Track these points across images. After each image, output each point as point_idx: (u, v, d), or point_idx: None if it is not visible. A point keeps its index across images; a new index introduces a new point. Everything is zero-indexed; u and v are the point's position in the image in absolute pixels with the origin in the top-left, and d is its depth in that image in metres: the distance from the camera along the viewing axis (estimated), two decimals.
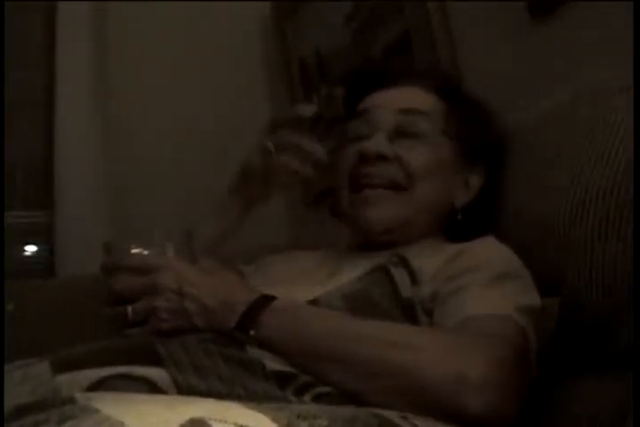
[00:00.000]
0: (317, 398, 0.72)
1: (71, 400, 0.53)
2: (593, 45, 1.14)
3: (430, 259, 0.91)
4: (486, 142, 1.05)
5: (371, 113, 1.03)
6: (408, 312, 0.86)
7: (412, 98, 1.04)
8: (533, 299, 0.86)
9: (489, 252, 0.93)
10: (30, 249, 1.96)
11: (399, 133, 1.00)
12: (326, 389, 0.73)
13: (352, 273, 0.93)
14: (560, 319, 0.88)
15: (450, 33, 1.47)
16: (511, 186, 1.04)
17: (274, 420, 0.52)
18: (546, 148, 0.99)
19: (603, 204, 0.84)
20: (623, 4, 1.02)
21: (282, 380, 0.72)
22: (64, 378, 0.65)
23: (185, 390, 0.67)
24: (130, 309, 0.82)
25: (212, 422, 0.49)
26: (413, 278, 0.88)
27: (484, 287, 0.83)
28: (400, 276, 0.88)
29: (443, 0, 1.48)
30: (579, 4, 1.18)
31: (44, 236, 1.95)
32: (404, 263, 0.90)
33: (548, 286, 0.89)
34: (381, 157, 0.98)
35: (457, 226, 1.03)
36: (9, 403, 0.54)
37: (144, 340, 0.76)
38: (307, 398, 0.71)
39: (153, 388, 0.66)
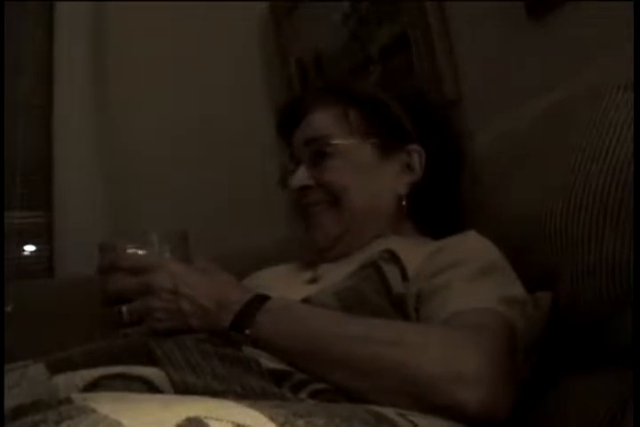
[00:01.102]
0: (314, 395, 0.72)
1: (68, 401, 0.53)
2: (593, 45, 1.14)
3: (410, 257, 0.92)
4: (410, 123, 1.09)
5: (293, 152, 1.15)
6: (400, 308, 0.86)
7: (312, 125, 1.12)
8: (517, 290, 0.87)
9: (469, 246, 0.94)
10: (30, 249, 1.96)
11: (315, 160, 1.09)
12: (322, 385, 0.73)
13: (333, 276, 0.95)
14: (558, 318, 0.89)
15: (448, 33, 1.47)
16: (511, 186, 1.04)
17: (271, 418, 0.52)
18: (545, 147, 0.99)
19: (601, 203, 0.84)
20: (623, 4, 1.02)
21: (278, 378, 0.72)
22: (60, 379, 0.66)
23: (182, 389, 0.67)
24: (124, 309, 0.82)
25: (208, 421, 0.49)
26: (404, 275, 0.89)
27: (468, 282, 0.84)
28: (391, 272, 0.88)
29: (441, 0, 1.48)
30: (578, 3, 1.18)
31: (43, 236, 1.94)
32: (395, 259, 0.90)
33: (546, 285, 0.89)
34: (305, 187, 1.08)
35: (424, 212, 1.09)
36: (6, 404, 0.54)
37: (140, 340, 0.76)
38: (303, 395, 0.72)
39: (150, 387, 0.67)
